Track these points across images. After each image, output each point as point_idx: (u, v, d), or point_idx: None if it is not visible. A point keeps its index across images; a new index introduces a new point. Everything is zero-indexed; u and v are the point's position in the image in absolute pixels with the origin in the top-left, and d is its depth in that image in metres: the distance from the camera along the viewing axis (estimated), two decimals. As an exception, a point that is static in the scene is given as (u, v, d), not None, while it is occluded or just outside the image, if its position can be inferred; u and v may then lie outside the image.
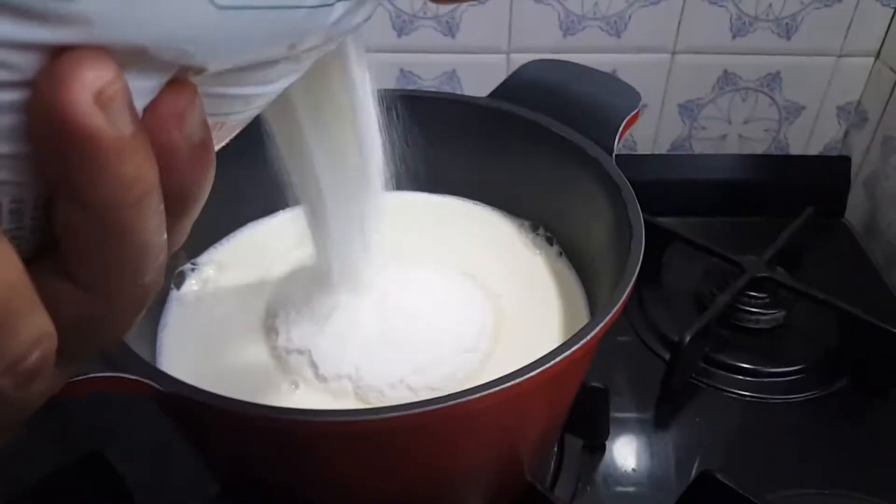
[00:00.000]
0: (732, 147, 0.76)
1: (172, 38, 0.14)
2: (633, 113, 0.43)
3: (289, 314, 0.40)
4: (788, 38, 0.69)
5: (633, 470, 0.50)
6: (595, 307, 0.43)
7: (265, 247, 0.47)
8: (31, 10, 0.12)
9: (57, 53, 0.13)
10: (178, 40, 0.14)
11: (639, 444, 0.52)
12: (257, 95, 0.20)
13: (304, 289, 0.40)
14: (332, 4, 0.18)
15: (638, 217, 0.37)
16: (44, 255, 0.16)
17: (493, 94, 0.48)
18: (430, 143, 0.49)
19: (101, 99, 0.13)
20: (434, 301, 0.41)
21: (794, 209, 0.65)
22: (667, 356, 0.57)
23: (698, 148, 0.77)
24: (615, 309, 0.31)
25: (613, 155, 0.42)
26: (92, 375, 0.29)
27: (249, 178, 0.40)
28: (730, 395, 0.55)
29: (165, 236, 0.17)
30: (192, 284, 0.45)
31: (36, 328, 0.15)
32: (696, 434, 0.53)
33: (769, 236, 0.62)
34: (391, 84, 0.72)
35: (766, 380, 0.56)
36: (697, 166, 0.73)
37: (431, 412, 0.29)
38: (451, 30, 0.69)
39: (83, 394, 0.29)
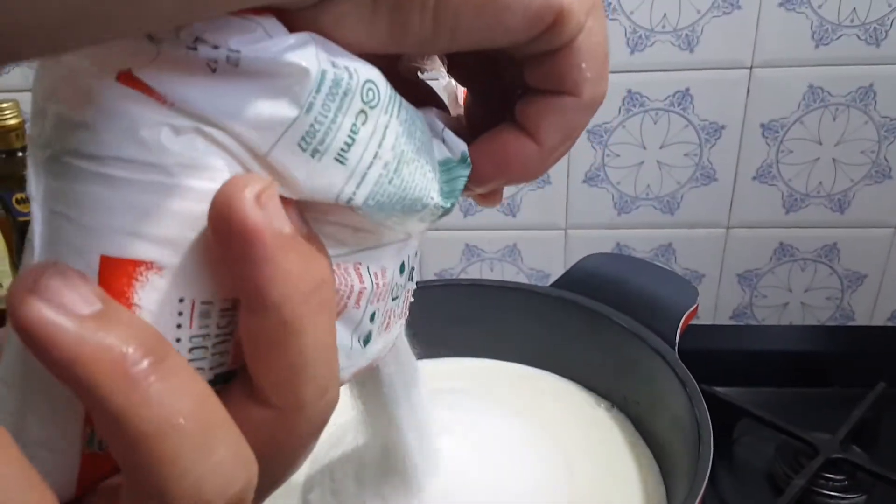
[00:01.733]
0: (795, 315, 0.77)
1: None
2: (692, 309, 0.44)
3: None
4: (842, 213, 0.71)
5: None
6: (671, 485, 0.42)
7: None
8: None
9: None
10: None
11: None
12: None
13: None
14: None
15: (706, 417, 0.37)
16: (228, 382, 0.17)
17: (554, 284, 0.51)
18: (499, 324, 0.52)
19: (260, 199, 0.15)
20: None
21: (864, 382, 0.64)
22: (742, 542, 0.55)
23: (760, 315, 0.77)
24: None
25: (676, 347, 0.43)
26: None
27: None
28: (814, 586, 0.53)
29: (335, 343, 0.17)
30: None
31: (236, 450, 0.15)
32: None
33: (840, 410, 0.61)
34: (456, 257, 0.76)
35: (851, 570, 0.53)
36: (761, 337, 0.74)
37: None
38: (511, 210, 0.73)
39: None
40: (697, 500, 0.33)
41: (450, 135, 0.22)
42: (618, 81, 0.66)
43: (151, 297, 0.16)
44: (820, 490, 0.56)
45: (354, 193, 0.17)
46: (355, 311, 0.21)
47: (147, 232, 0.15)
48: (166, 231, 0.15)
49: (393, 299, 0.22)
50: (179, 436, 0.14)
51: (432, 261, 0.77)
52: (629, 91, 0.66)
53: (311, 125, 0.16)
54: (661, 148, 0.68)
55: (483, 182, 0.22)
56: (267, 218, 0.15)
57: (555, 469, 0.43)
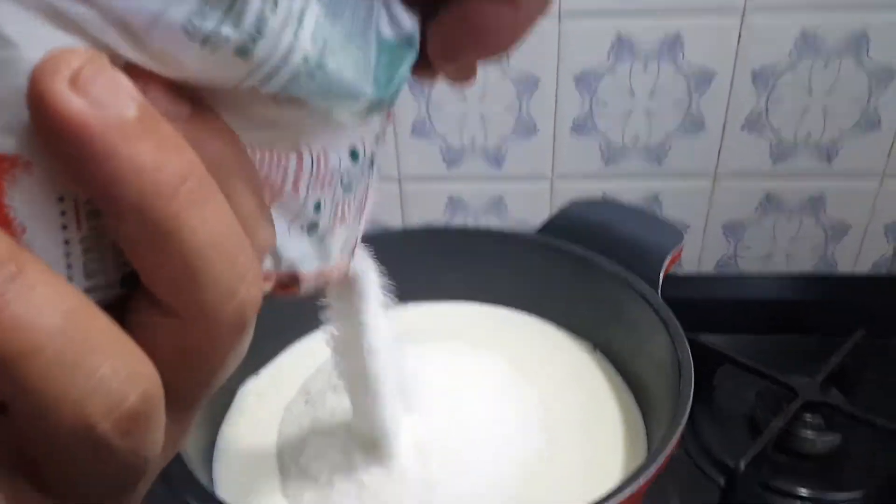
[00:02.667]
0: (779, 265, 0.77)
1: None
2: (677, 250, 0.45)
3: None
4: (830, 163, 0.71)
5: None
6: (652, 425, 0.43)
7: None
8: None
9: None
10: None
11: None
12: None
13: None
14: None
15: (687, 357, 0.38)
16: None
17: (540, 231, 0.51)
18: (485, 269, 0.52)
19: (79, 81, 0.12)
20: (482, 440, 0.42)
21: (844, 329, 0.65)
22: (720, 480, 0.56)
23: (744, 266, 0.78)
24: (664, 454, 0.32)
25: (659, 290, 0.44)
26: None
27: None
28: (789, 523, 0.54)
29: (241, 237, 0.15)
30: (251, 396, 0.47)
31: (124, 364, 0.13)
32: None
33: (821, 357, 0.62)
34: (440, 210, 0.76)
35: (825, 507, 0.55)
36: (744, 285, 0.74)
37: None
38: (497, 161, 0.73)
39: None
40: (677, 435, 0.34)
41: (397, 7, 0.19)
42: (607, 26, 0.65)
43: (25, 197, 0.13)
44: (798, 431, 0.57)
45: (264, 87, 0.15)
46: (293, 197, 0.19)
47: (3, 121, 0.13)
48: (20, 118, 0.13)
49: (345, 189, 0.21)
50: (48, 357, 0.12)
51: (415, 214, 0.77)
52: (618, 36, 0.65)
53: (201, 8, 0.13)
54: (650, 96, 0.68)
55: (453, 55, 0.20)
56: (92, 104, 0.12)
57: (533, 408, 0.44)
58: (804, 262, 0.77)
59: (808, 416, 0.58)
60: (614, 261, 0.46)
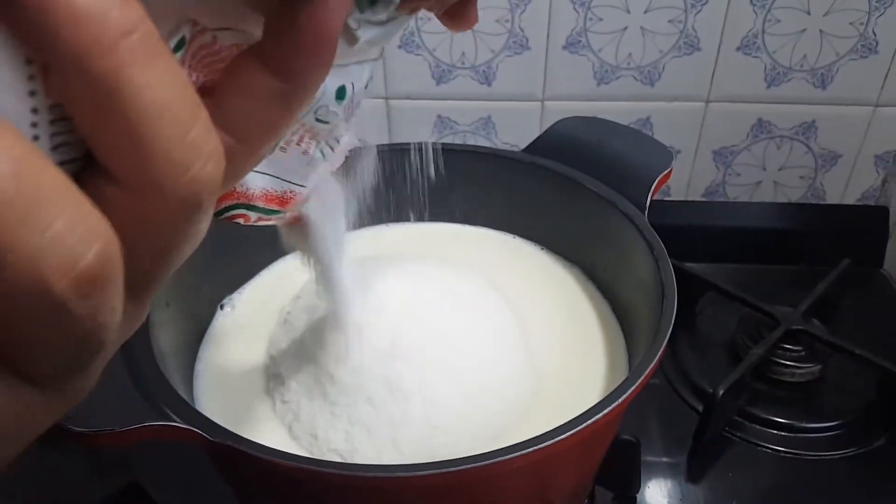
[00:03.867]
0: (767, 193, 0.76)
1: None
2: (666, 171, 0.43)
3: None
4: (824, 88, 0.69)
5: (665, 524, 0.50)
6: (633, 349, 0.43)
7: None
8: None
9: None
10: None
11: (670, 498, 0.52)
12: None
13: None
14: None
15: (671, 278, 0.37)
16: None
17: (528, 149, 0.49)
18: (469, 189, 0.51)
19: None
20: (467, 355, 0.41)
21: (830, 259, 0.65)
22: (699, 406, 0.56)
23: (732, 194, 0.77)
24: (645, 374, 0.32)
25: (646, 212, 0.42)
26: (142, 425, 0.30)
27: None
28: (764, 449, 0.55)
29: (196, 107, 0.14)
30: (227, 318, 0.46)
31: (79, 220, 0.13)
32: (728, 489, 0.52)
33: (804, 286, 0.62)
34: (429, 128, 0.74)
35: (801, 435, 0.55)
36: (732, 213, 0.73)
37: (466, 471, 0.29)
38: (487, 78, 0.70)
39: (130, 441, 0.30)
40: (659, 355, 0.33)
41: None
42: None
43: None
44: (778, 360, 0.57)
45: None
46: None
47: None
48: None
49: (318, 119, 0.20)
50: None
51: (402, 132, 0.74)
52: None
53: None
54: (645, 12, 0.65)
55: None
56: None
57: (510, 324, 0.43)
58: (793, 191, 0.76)
59: (788, 345, 0.58)
60: (602, 181, 0.44)
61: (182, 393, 0.34)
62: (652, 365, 0.32)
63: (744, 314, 0.61)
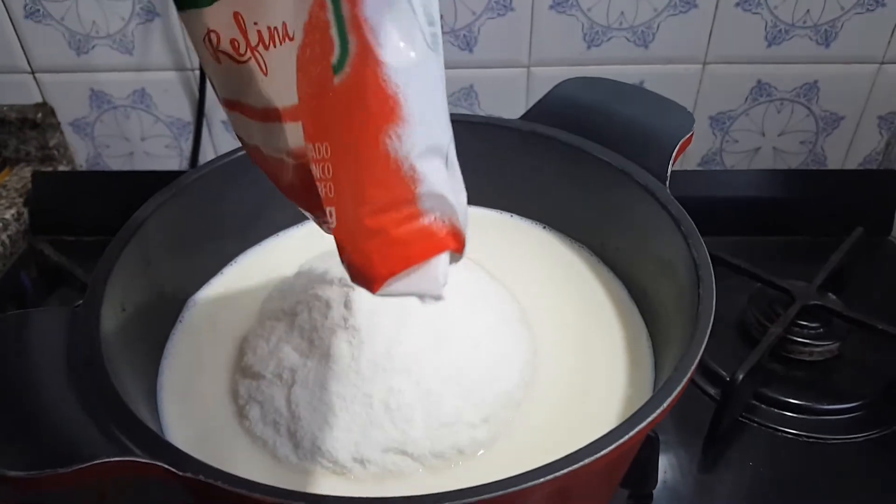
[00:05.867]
0: (766, 160, 0.72)
1: None
2: (687, 136, 0.39)
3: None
4: (827, 46, 0.65)
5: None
6: (658, 338, 0.38)
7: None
8: None
9: None
10: None
11: (687, 491, 0.48)
12: None
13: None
14: None
15: (705, 257, 0.32)
16: None
17: (526, 116, 0.44)
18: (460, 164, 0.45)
19: None
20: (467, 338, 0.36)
21: (834, 229, 0.61)
22: (712, 391, 0.52)
23: (730, 162, 0.73)
24: (680, 387, 0.27)
25: (667, 182, 0.38)
26: (94, 462, 0.24)
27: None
28: (782, 434, 0.51)
29: None
30: (191, 320, 0.40)
31: None
32: (746, 479, 0.48)
33: (812, 259, 0.58)
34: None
35: (821, 417, 0.51)
36: (731, 183, 0.69)
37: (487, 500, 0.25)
38: (468, 44, 0.65)
39: (80, 484, 0.24)
40: (702, 348, 0.28)
41: None
42: None
43: None
44: (794, 338, 0.53)
45: None
46: None
47: None
48: None
49: None
50: None
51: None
52: None
53: None
54: (639, -33, 0.60)
55: None
56: None
57: (517, 320, 0.38)
58: (792, 158, 0.72)
59: (804, 322, 0.54)
60: (612, 149, 0.39)
61: (143, 413, 0.29)
62: (695, 363, 0.28)
63: (753, 290, 0.57)
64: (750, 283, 0.57)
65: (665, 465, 0.49)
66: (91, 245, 0.71)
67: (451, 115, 0.49)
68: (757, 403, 0.52)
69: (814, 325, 0.54)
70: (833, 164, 0.72)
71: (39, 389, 0.26)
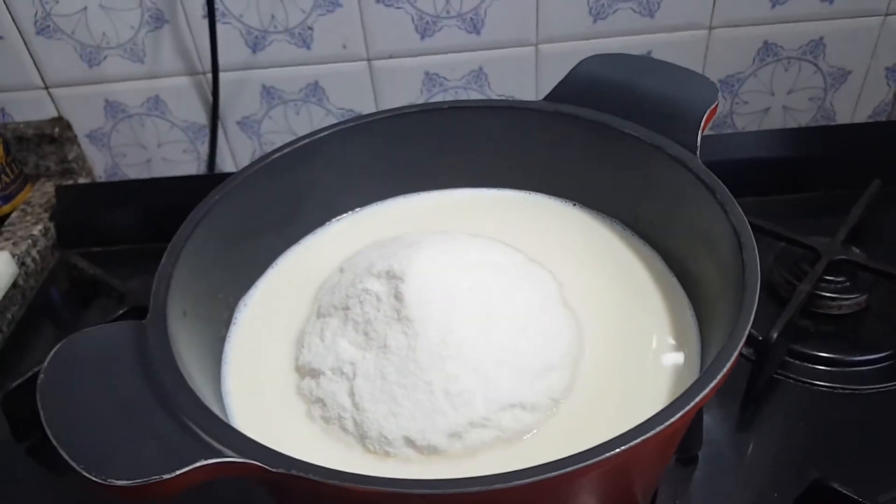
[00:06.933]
0: (776, 120, 0.73)
1: None
2: (714, 105, 0.39)
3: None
4: (831, 2, 0.65)
5: (729, 479, 0.47)
6: (701, 306, 0.39)
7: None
8: None
9: None
10: None
11: (729, 451, 0.49)
12: None
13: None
14: None
15: (745, 225, 0.33)
16: None
17: (550, 97, 0.45)
18: (486, 149, 0.46)
19: None
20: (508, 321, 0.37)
21: (851, 182, 0.62)
22: (745, 351, 0.53)
23: (740, 124, 0.73)
24: (735, 353, 0.28)
25: (698, 152, 0.39)
26: (195, 466, 0.25)
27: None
28: (817, 388, 0.52)
29: None
30: (246, 319, 0.42)
31: None
32: (785, 433, 0.50)
33: (831, 212, 0.59)
34: (416, 88, 0.69)
35: (852, 369, 0.53)
36: (743, 144, 0.70)
37: (556, 477, 0.26)
38: (475, 26, 0.65)
39: (181, 488, 0.25)
40: (753, 311, 0.29)
41: None
42: None
43: None
44: (822, 293, 0.55)
45: None
46: None
47: None
48: None
49: None
50: None
51: (388, 95, 0.69)
52: None
53: None
54: (642, -62, 0.61)
55: None
56: None
57: (559, 299, 0.39)
58: (802, 115, 0.73)
59: (830, 277, 0.55)
60: (640, 124, 0.40)
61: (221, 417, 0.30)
62: (747, 329, 0.29)
63: (778, 250, 0.58)
64: (774, 242, 0.58)
65: (705, 427, 0.50)
66: (118, 254, 0.72)
67: (472, 101, 0.49)
68: (789, 359, 0.53)
69: (840, 279, 0.55)
70: (842, 118, 0.73)
71: (126, 402, 0.27)
